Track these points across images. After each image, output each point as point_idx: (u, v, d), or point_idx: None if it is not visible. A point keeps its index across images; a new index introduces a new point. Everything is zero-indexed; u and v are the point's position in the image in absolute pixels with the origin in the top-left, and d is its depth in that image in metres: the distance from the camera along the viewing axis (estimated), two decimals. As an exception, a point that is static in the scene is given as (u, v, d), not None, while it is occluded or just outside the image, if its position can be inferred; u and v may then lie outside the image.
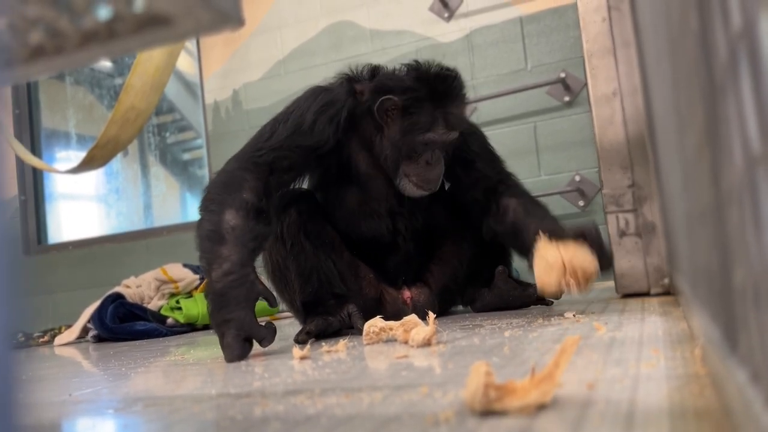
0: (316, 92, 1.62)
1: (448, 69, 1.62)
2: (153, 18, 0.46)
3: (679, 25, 0.63)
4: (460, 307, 1.96)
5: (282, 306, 1.67)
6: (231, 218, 1.34)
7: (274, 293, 1.59)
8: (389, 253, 1.74)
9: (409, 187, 1.64)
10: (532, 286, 1.67)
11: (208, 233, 1.33)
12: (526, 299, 1.66)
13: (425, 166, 1.61)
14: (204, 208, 1.39)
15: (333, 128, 1.57)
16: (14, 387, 0.28)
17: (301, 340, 1.46)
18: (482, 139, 1.82)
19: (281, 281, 1.63)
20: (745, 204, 0.39)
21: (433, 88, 1.57)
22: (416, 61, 1.63)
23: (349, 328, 1.57)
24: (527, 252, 1.44)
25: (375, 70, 1.69)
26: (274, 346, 1.31)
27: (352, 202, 1.70)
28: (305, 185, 1.76)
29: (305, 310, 1.60)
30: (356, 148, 1.67)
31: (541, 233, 1.36)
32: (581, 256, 1.29)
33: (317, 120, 1.55)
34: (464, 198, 1.76)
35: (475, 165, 1.73)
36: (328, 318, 1.53)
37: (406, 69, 1.63)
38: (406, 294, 1.74)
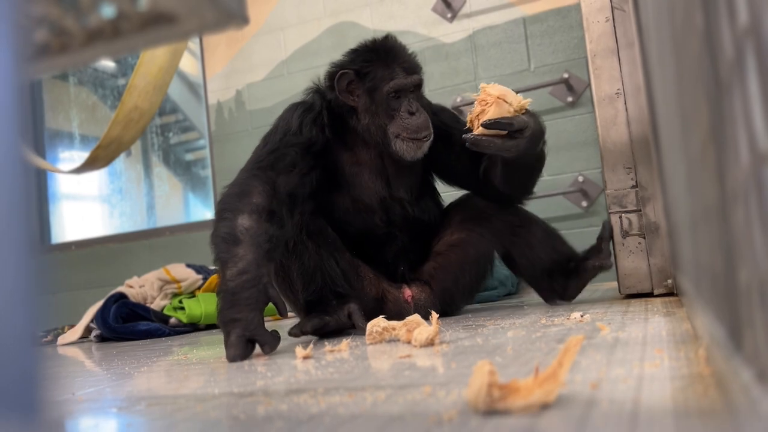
0: (293, 106, 1.74)
1: (383, 36, 1.73)
2: (158, 16, 0.46)
3: (683, 24, 0.63)
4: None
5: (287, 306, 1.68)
6: (244, 221, 1.40)
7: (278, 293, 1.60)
8: (385, 245, 1.76)
9: (405, 147, 1.66)
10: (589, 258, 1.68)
11: (224, 236, 1.38)
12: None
13: (409, 116, 1.65)
14: (219, 218, 1.45)
15: (319, 128, 1.67)
16: (41, 383, 0.28)
17: (293, 333, 1.53)
18: (454, 115, 1.90)
19: (284, 281, 1.65)
20: (751, 202, 0.39)
21: (375, 50, 1.69)
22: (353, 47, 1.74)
23: (350, 327, 1.58)
24: None
25: None
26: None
27: (345, 203, 1.74)
28: None
29: (308, 310, 1.61)
30: (340, 150, 1.74)
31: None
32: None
33: (302, 122, 1.65)
34: (456, 177, 1.82)
35: (453, 138, 1.75)
36: (324, 317, 1.55)
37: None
38: (407, 293, 1.75)
